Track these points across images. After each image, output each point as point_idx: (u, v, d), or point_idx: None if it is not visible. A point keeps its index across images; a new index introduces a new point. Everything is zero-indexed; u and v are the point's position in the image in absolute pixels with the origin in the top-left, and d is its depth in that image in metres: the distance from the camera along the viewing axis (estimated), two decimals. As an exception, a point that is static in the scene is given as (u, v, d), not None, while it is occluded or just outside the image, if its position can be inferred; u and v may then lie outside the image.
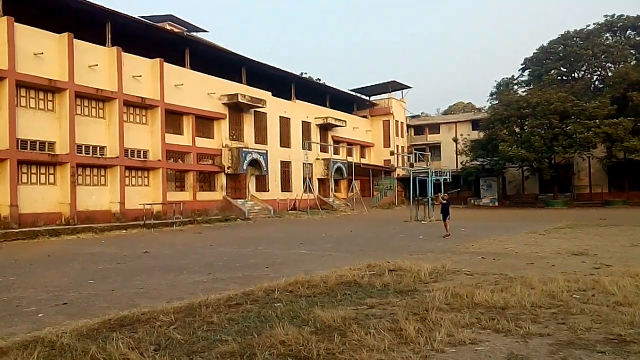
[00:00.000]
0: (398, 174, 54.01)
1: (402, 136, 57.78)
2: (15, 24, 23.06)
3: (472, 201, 52.32)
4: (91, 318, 6.46)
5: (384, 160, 54.38)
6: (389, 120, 55.21)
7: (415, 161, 48.47)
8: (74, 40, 25.41)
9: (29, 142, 24.21)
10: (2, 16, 22.82)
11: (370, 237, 19.86)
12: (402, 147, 56.72)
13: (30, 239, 20.82)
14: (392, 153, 53.57)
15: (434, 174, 32.80)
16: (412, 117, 65.03)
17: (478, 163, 50.43)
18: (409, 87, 57.40)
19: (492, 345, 4.99)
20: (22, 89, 23.99)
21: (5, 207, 22.59)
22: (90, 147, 26.93)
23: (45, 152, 24.77)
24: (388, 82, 53.90)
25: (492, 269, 9.97)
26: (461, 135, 55.97)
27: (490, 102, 56.42)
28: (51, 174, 25.14)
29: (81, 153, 26.20)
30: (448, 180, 34.39)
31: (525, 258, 11.83)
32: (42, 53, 24.21)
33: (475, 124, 56.92)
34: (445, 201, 19.40)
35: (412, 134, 63.46)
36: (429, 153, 52.25)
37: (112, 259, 13.98)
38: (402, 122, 58.02)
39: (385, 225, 26.08)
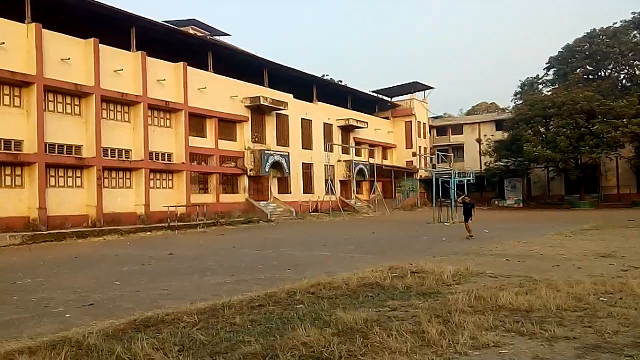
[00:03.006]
0: (420, 175, 53.63)
1: (424, 137, 57.39)
2: (43, 30, 23.59)
3: (496, 202, 51.68)
4: (117, 319, 6.58)
5: (406, 162, 54.05)
6: (411, 121, 54.88)
7: (438, 162, 48.09)
8: (100, 45, 25.90)
9: (56, 146, 24.72)
10: (30, 23, 23.37)
11: (393, 238, 19.77)
12: (424, 148, 56.34)
13: (58, 241, 21.24)
14: (414, 154, 53.22)
15: (457, 175, 32.51)
16: (435, 117, 64.53)
17: (502, 164, 49.82)
18: (432, 88, 56.97)
19: (517, 349, 4.93)
20: (50, 93, 24.51)
21: (34, 210, 23.11)
22: (116, 151, 27.39)
23: (72, 155, 25.26)
24: (410, 82, 53.56)
25: (517, 271, 9.84)
26: (485, 135, 55.38)
27: (515, 102, 55.71)
28: (78, 177, 25.63)
29: (107, 156, 26.66)
30: (472, 181, 34.04)
31: (551, 260, 11.64)
32: (69, 58, 24.72)
33: (499, 125, 56.23)
34: (467, 202, 19.09)
35: (435, 134, 62.98)
36: (452, 154, 51.78)
37: (137, 261, 14.19)
38: (424, 123, 57.63)
39: (407, 227, 25.93)
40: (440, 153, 46.16)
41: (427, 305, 6.86)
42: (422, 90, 56.76)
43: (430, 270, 9.61)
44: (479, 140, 56.10)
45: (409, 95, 55.63)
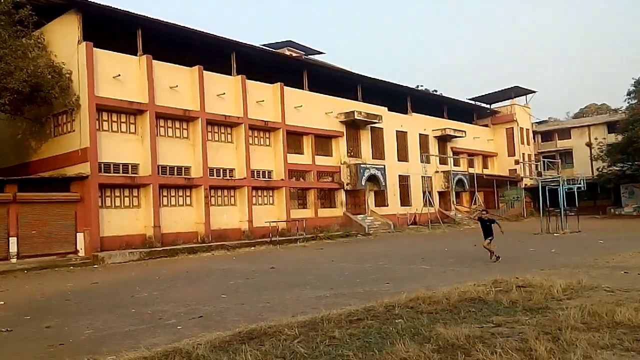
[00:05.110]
0: (525, 184, 51.06)
1: (528, 144, 54.67)
2: (153, 61, 25.56)
3: (612, 210, 47.85)
4: (223, 331, 6.91)
5: (509, 170, 51.76)
6: (512, 128, 52.57)
7: (544, 169, 45.53)
8: (204, 72, 27.59)
9: (167, 168, 26.54)
10: (142, 55, 25.43)
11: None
12: (528, 155, 53.64)
13: (171, 257, 22.72)
14: (517, 162, 50.86)
15: (565, 183, 30.59)
16: (539, 122, 61.33)
17: (617, 169, 46.05)
18: (534, 92, 54.32)
19: (637, 370, 4.54)
20: (161, 119, 26.42)
21: (149, 228, 24.91)
22: (221, 170, 28.85)
23: (182, 176, 26.97)
24: (510, 87, 51.44)
25: (637, 285, 9.05)
26: (595, 139, 51.71)
27: (628, 102, 51.36)
28: (188, 196, 27.29)
29: (213, 176, 28.15)
30: (583, 188, 31.85)
31: (678, 273, 10.57)
32: (177, 86, 26.55)
33: (612, 127, 52.22)
34: (484, 219, 15.81)
35: (539, 140, 59.83)
36: (559, 160, 48.89)
37: (242, 275, 14.79)
38: (527, 129, 54.96)
39: (512, 239, 24.67)
40: (546, 160, 43.72)
41: (534, 321, 6.51)
42: (523, 95, 54.30)
43: (538, 284, 9.12)
44: (589, 145, 52.46)
45: (510, 100, 53.43)
